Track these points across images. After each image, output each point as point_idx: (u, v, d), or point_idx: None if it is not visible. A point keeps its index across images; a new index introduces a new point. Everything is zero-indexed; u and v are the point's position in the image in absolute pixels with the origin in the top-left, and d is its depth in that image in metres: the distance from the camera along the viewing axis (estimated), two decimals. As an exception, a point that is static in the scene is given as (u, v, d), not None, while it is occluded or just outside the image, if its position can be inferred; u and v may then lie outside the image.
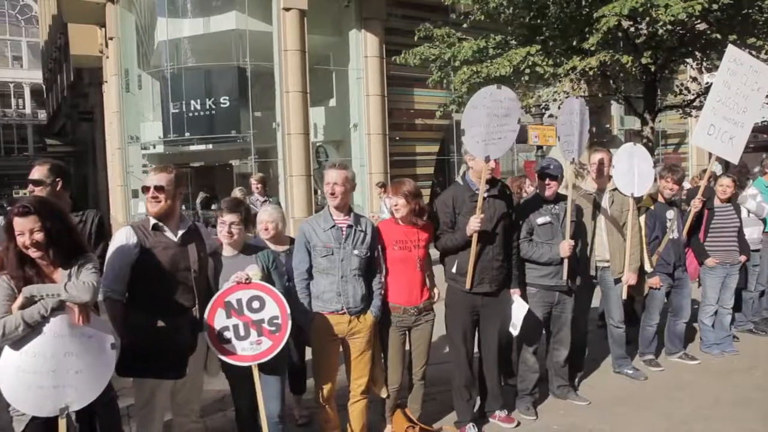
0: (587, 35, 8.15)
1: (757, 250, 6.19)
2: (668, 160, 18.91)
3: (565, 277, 4.30)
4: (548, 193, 4.37)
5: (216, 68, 13.80)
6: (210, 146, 14.70)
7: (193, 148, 14.71)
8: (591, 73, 8.81)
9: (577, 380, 4.93)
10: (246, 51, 13.40)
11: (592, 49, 8.05)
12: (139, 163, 14.75)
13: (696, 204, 5.34)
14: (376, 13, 13.56)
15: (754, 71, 5.43)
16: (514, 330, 4.17)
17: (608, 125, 19.05)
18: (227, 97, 13.59)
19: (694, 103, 10.83)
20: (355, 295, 3.62)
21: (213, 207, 12.21)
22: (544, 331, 4.55)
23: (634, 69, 8.65)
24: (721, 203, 5.72)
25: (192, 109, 13.76)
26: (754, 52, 9.26)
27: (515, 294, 4.22)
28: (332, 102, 14.95)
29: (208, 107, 13.70)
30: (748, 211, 6.07)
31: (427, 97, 13.79)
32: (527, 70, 8.58)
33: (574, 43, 8.46)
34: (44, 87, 41.89)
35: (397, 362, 3.91)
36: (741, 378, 5.10)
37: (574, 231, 4.44)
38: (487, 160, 3.85)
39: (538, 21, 8.90)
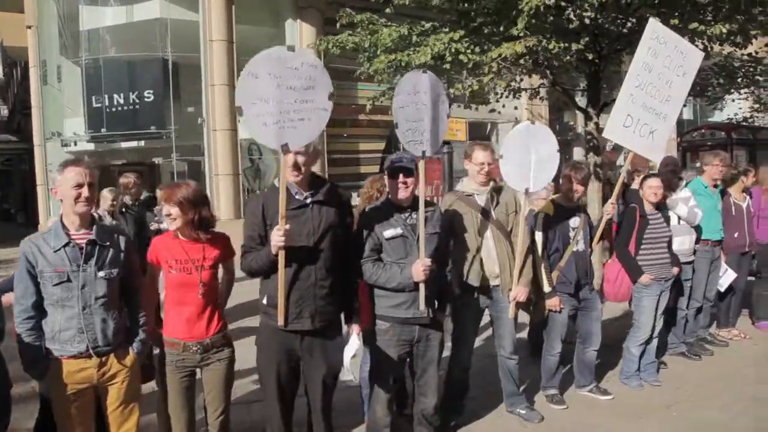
0: (517, 21, 7.26)
1: (690, 263, 5.33)
2: (635, 162, 18.15)
3: (421, 306, 3.38)
4: (402, 194, 3.43)
5: (139, 60, 12.79)
6: (142, 143, 13.71)
7: (124, 145, 13.71)
8: (522, 62, 7.91)
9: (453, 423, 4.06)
10: (170, 41, 12.39)
11: (520, 35, 7.16)
12: (62, 160, 13.65)
13: (608, 210, 4.46)
14: (313, 2, 12.62)
15: (679, 52, 4.57)
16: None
17: (572, 122, 18.27)
18: (151, 91, 12.59)
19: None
20: (105, 329, 2.72)
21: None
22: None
23: (569, 57, 7.78)
24: (653, 209, 4.84)
25: (115, 103, 12.74)
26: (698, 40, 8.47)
27: (354, 331, 3.31)
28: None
29: (131, 101, 12.68)
30: (678, 218, 5.21)
31: (371, 91, 12.85)
32: (449, 58, 7.68)
33: (501, 29, 7.56)
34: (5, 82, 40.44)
35: (179, 411, 3.06)
36: (655, 419, 4.24)
37: (440, 244, 3.54)
38: (285, 150, 2.92)
39: (467, 5, 7.98)
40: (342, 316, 3.34)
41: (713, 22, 7.08)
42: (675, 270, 4.82)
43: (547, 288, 4.28)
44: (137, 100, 12.67)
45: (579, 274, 4.38)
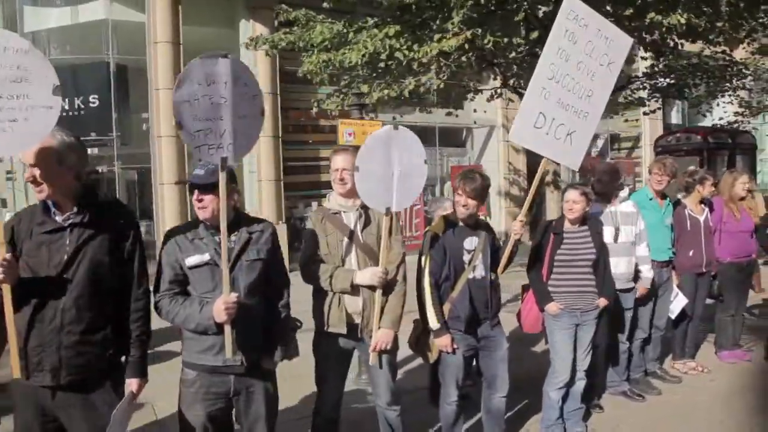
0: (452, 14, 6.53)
1: (629, 290, 4.54)
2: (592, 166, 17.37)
3: (228, 354, 2.63)
4: (204, 215, 2.71)
5: (84, 63, 12.05)
6: (96, 150, 12.99)
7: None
8: (465, 59, 7.16)
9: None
10: (116, 44, 11.69)
11: (455, 29, 6.43)
12: (3, 168, 12.94)
13: (516, 228, 3.68)
14: (266, 2, 11.90)
15: (603, 38, 3.79)
16: None
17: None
18: (96, 96, 11.86)
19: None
20: None
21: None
22: None
23: (516, 54, 7.05)
24: (572, 225, 4.07)
25: (60, 108, 11.99)
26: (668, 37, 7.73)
27: (129, 389, 2.55)
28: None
29: (76, 107, 11.97)
30: (615, 235, 4.42)
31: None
32: (383, 57, 6.95)
33: (438, 23, 6.82)
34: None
35: None
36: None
37: (265, 273, 2.79)
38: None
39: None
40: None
41: (671, 11, 6.32)
42: (600, 302, 4.02)
43: (435, 324, 3.51)
44: (82, 106, 11.95)
45: (476, 307, 3.60)
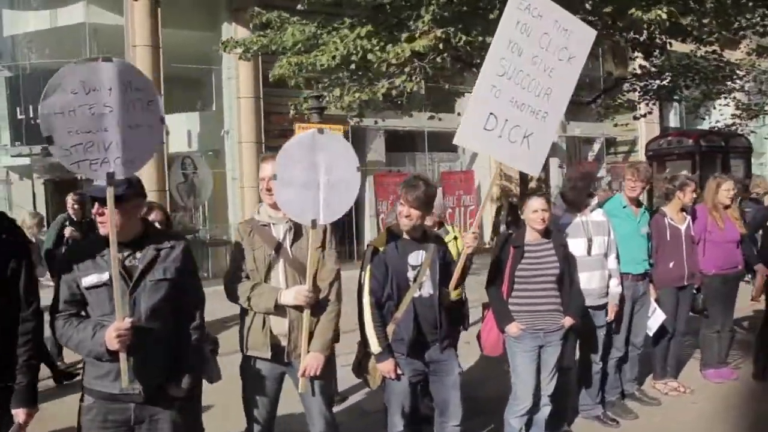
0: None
1: (602, 306, 4.21)
2: (616, 171, 17.01)
3: (123, 384, 2.35)
4: (105, 230, 2.42)
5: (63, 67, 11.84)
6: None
7: (52, 159, 12.75)
8: (439, 59, 6.85)
9: None
10: (94, 47, 11.46)
11: (425, 28, 6.12)
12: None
13: (467, 241, 3.36)
14: (247, 3, 11.63)
15: (562, 30, 3.49)
16: None
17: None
18: (75, 101, 11.62)
19: (598, 101, 8.95)
20: None
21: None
22: None
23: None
24: (533, 238, 3.74)
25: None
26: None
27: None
28: (199, 105, 13.04)
29: (56, 112, 11.71)
30: (588, 247, 4.10)
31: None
32: (355, 58, 6.65)
33: (411, 23, 6.52)
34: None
35: None
36: None
37: (171, 295, 2.50)
38: None
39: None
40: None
41: (652, 7, 6.00)
42: (566, 321, 3.69)
43: (376, 348, 3.19)
44: (61, 111, 11.71)
45: (423, 329, 3.27)
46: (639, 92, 10.03)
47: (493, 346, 3.81)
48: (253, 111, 11.64)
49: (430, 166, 14.56)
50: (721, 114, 13.44)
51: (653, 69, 9.48)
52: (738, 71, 9.83)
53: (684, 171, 9.59)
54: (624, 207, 4.54)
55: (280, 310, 2.96)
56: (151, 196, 10.89)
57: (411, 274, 3.28)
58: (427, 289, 3.31)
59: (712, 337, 5.22)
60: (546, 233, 3.76)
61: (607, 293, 4.21)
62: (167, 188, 11.14)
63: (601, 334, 4.25)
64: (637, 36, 8.38)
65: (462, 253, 3.42)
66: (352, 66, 6.79)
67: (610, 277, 4.23)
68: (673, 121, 19.10)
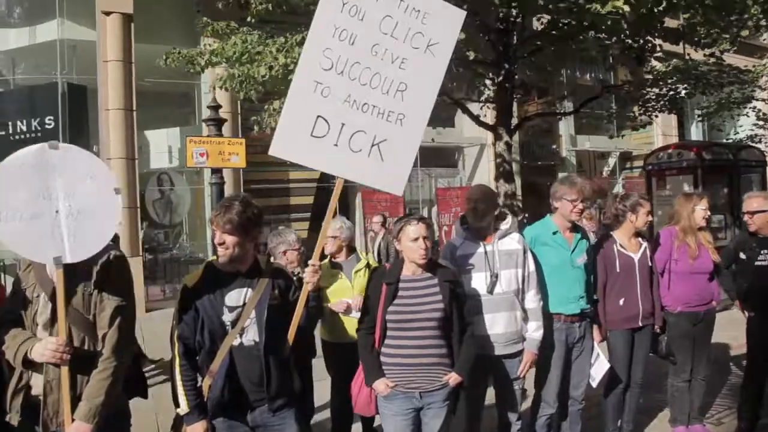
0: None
1: (514, 354, 3.42)
2: (631, 187, 15.95)
3: None
4: None
5: (40, 84, 11.59)
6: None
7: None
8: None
9: None
10: (67, 64, 11.22)
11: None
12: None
13: (307, 276, 2.69)
14: (228, 17, 11.20)
15: (412, 10, 2.81)
16: None
17: (555, 146, 16.24)
18: (52, 117, 11.35)
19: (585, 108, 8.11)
20: None
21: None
22: None
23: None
24: (412, 272, 3.01)
25: (18, 130, 11.60)
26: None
27: None
28: (181, 121, 12.64)
29: (33, 128, 11.50)
30: (492, 284, 3.34)
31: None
32: (292, 68, 6.04)
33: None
34: None
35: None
36: None
37: None
38: None
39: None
40: None
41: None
42: (451, 378, 2.93)
43: (184, 407, 2.51)
44: (39, 127, 11.46)
45: (243, 385, 2.57)
46: (639, 104, 9.14)
47: (364, 405, 3.08)
48: (231, 127, 11.13)
49: (422, 181, 13.80)
50: (740, 125, 12.39)
51: (649, 77, 8.62)
52: (741, 75, 8.85)
53: (685, 187, 8.63)
54: (554, 233, 3.74)
55: (38, 366, 2.32)
56: (123, 213, 10.54)
57: (229, 317, 2.60)
58: (251, 336, 2.61)
59: (681, 387, 4.34)
60: (430, 266, 3.03)
61: (520, 339, 3.42)
62: (137, 205, 10.71)
63: (516, 388, 3.46)
64: (629, 40, 7.60)
65: (302, 291, 2.72)
66: (290, 77, 6.18)
67: (527, 319, 3.46)
68: (695, 135, 17.94)
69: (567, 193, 3.70)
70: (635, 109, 9.62)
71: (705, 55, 7.89)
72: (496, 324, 3.31)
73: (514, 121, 8.50)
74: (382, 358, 2.97)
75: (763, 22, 6.61)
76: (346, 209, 12.80)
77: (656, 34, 7.57)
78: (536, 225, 3.87)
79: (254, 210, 2.66)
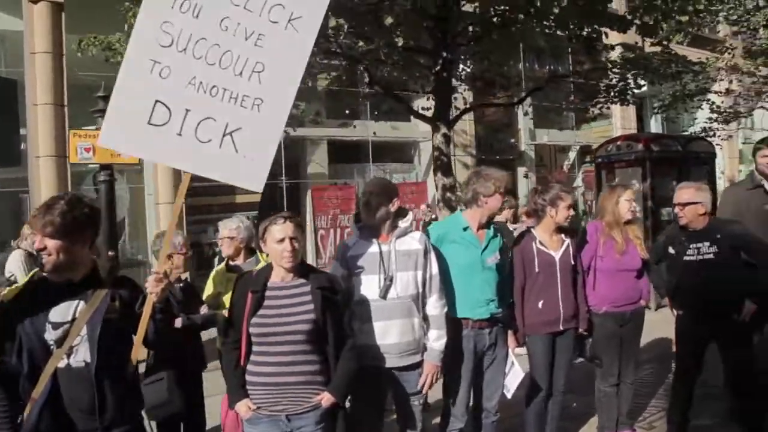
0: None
1: (411, 366, 3.07)
2: (590, 181, 15.83)
3: None
4: None
5: (-34, 77, 10.96)
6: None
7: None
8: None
9: None
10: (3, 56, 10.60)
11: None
12: None
13: (149, 286, 2.31)
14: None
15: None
16: None
17: (513, 140, 16.02)
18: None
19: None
20: None
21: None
22: None
23: (370, 47, 5.66)
24: (281, 279, 2.67)
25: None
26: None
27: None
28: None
29: (-41, 127, 10.81)
30: (386, 288, 2.98)
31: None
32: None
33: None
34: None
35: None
36: None
37: None
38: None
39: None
40: None
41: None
42: (323, 398, 2.57)
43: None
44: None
45: (71, 413, 2.19)
46: (582, 94, 8.92)
47: (232, 429, 2.73)
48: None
49: (380, 177, 13.40)
50: (695, 118, 12.32)
51: (597, 66, 8.39)
52: (695, 68, 8.68)
53: (634, 180, 8.43)
54: (465, 229, 3.41)
55: None
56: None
57: (53, 335, 2.21)
58: (82, 356, 2.23)
59: (609, 392, 4.07)
60: (302, 271, 2.67)
61: (425, 348, 3.08)
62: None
63: (416, 402, 3.11)
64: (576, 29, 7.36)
65: (146, 304, 2.34)
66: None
67: (428, 326, 3.12)
68: (654, 128, 17.88)
69: (475, 184, 3.39)
70: (585, 100, 9.40)
71: (652, 44, 7.67)
72: (389, 333, 2.96)
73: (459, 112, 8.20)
74: (247, 377, 2.61)
75: (700, 6, 6.43)
76: (295, 206, 12.38)
77: (603, 23, 7.32)
78: (445, 221, 3.56)
79: (84, 209, 2.28)
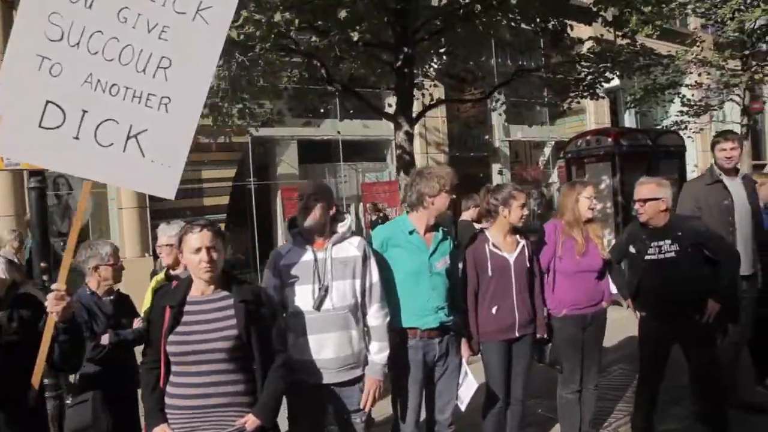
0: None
1: (353, 382, 2.87)
2: (563, 176, 15.76)
3: None
4: None
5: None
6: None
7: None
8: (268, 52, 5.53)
9: None
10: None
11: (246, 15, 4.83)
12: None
13: (50, 305, 2.08)
14: None
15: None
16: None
17: (488, 136, 15.89)
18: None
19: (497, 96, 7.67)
20: None
21: None
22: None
23: (325, 41, 5.42)
24: (201, 292, 2.46)
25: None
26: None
27: None
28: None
29: None
30: (321, 298, 2.77)
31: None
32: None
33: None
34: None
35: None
36: None
37: None
38: None
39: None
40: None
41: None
42: (247, 421, 2.36)
43: None
44: None
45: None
46: (550, 89, 8.79)
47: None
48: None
49: (346, 177, 13.16)
50: (666, 112, 12.27)
51: (565, 60, 8.25)
52: (664, 61, 8.59)
53: (604, 175, 8.31)
54: (411, 233, 3.20)
55: None
56: (5, 223, 9.59)
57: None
58: None
59: (570, 399, 3.90)
60: (225, 283, 2.46)
61: (358, 363, 2.88)
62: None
63: (358, 420, 2.91)
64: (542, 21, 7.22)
65: (46, 325, 2.11)
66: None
67: (369, 339, 2.92)
68: (629, 122, 17.89)
69: (419, 182, 3.19)
70: (555, 95, 9.27)
71: (621, 36, 7.55)
72: (325, 347, 2.75)
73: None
74: (166, 399, 2.38)
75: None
76: (266, 209, 12.13)
77: (568, 15, 7.17)
78: (389, 224, 3.34)
79: None
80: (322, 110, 11.69)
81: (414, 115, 6.78)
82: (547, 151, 17.62)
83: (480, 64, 7.99)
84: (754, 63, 11.71)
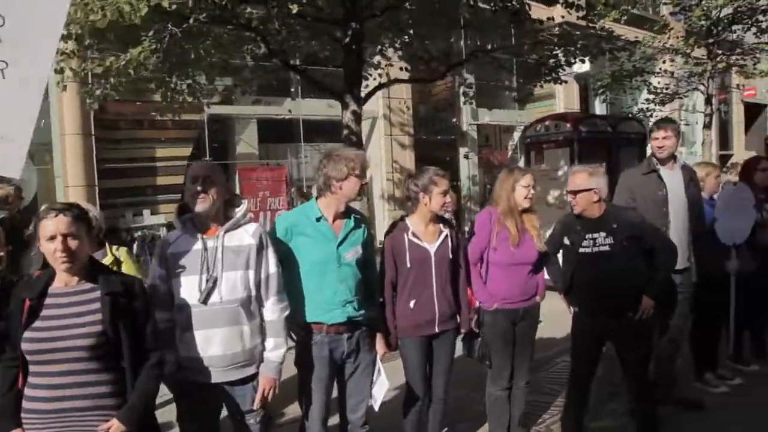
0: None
1: (246, 380, 2.63)
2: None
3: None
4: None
5: None
6: None
7: None
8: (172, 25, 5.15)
9: None
10: None
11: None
12: None
13: None
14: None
15: None
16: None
17: (455, 120, 15.64)
18: None
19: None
20: None
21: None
22: None
23: (256, 13, 5.09)
24: (64, 284, 2.19)
25: None
26: None
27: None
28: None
29: None
30: (208, 291, 2.52)
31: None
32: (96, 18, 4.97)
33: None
34: None
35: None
36: None
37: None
38: None
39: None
40: None
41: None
42: (111, 427, 2.11)
43: None
44: None
45: None
46: (514, 71, 8.55)
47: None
48: (80, 98, 9.80)
49: (307, 158, 12.81)
50: (633, 99, 12.16)
51: (525, 42, 8.02)
52: (630, 47, 8.42)
53: (562, 161, 8.14)
54: (318, 219, 2.95)
55: None
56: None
57: None
58: None
59: (499, 396, 3.71)
60: (91, 274, 2.20)
61: (252, 361, 2.64)
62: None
63: (252, 421, 2.67)
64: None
65: None
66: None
67: (265, 334, 2.68)
68: (599, 109, 17.79)
69: (328, 167, 2.94)
70: (521, 79, 9.06)
71: (578, 18, 7.34)
72: (212, 343, 2.51)
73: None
74: (22, 402, 2.13)
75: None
76: (223, 189, 11.76)
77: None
78: (295, 210, 3.10)
79: None
80: (274, 88, 11.28)
81: (362, 95, 6.49)
82: (516, 135, 17.47)
83: (437, 44, 7.70)
84: (719, 52, 11.62)
